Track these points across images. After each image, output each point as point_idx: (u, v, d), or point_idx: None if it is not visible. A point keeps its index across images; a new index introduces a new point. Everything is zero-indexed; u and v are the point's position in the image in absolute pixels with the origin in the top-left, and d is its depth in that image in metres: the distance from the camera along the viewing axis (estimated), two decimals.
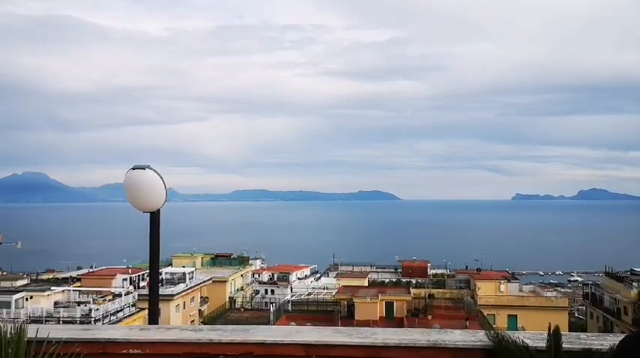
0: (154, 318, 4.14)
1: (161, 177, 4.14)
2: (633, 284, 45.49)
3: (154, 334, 3.73)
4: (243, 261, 66.65)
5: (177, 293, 45.69)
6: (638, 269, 51.14)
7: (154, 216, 4.19)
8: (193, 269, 54.66)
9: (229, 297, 56.74)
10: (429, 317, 41.48)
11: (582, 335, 3.60)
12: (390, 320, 41.23)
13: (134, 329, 3.95)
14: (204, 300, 52.58)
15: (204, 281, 52.57)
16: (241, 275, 61.87)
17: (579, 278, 77.63)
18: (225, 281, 56.54)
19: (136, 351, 3.60)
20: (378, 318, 40.67)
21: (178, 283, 48.27)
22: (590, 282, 57.66)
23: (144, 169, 4.12)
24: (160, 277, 48.74)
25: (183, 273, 50.37)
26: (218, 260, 66.68)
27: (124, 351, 3.59)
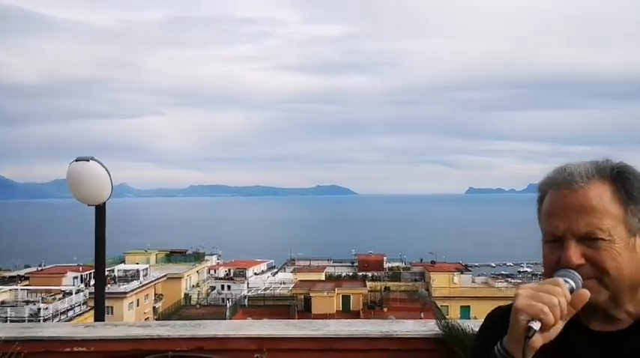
0: (100, 315, 4.02)
1: (106, 169, 4.00)
2: None
3: (100, 331, 3.62)
4: (198, 257, 65.87)
5: (131, 291, 44.86)
6: None
7: (100, 210, 4.06)
8: (147, 266, 53.74)
9: (185, 294, 56.03)
10: (385, 309, 41.96)
11: None
12: (346, 313, 41.55)
13: (79, 326, 3.83)
14: (158, 297, 51.79)
15: (159, 278, 51.79)
16: (197, 271, 61.16)
17: (529, 269, 79.95)
18: (181, 278, 55.79)
19: (80, 349, 3.48)
20: (334, 312, 40.92)
21: (132, 280, 47.41)
22: (539, 273, 59.47)
23: (87, 161, 3.97)
24: (113, 274, 47.79)
25: (137, 270, 49.49)
26: (173, 256, 65.66)
27: (68, 349, 3.46)
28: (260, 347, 3.27)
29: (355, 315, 39.86)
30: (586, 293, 1.20)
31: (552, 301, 1.15)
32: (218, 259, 72.09)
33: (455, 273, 54.47)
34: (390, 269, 64.18)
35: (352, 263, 70.85)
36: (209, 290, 60.32)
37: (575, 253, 1.23)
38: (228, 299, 49.61)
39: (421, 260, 68.84)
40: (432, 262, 63.10)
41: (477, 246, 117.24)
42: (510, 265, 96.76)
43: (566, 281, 1.20)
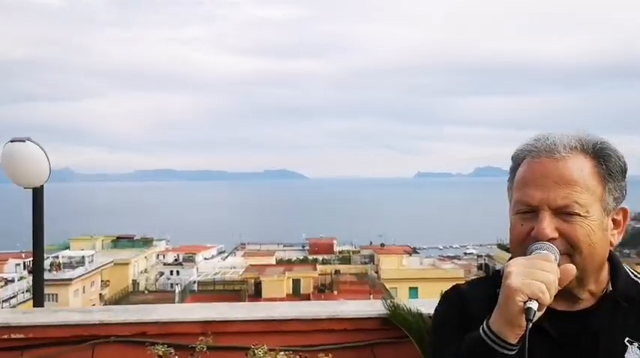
0: (38, 301, 3.89)
1: (43, 150, 3.83)
2: None
3: (39, 317, 3.51)
4: (146, 243, 64.75)
5: (76, 278, 43.87)
6: None
7: (37, 193, 3.90)
8: (93, 252, 52.56)
9: (132, 280, 55.09)
10: (335, 292, 42.42)
11: None
12: (297, 296, 41.75)
13: (17, 312, 3.71)
14: (105, 284, 50.78)
15: (105, 264, 50.76)
16: (145, 257, 60.15)
17: (474, 251, 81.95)
18: (128, 264, 54.76)
19: (18, 336, 3.37)
20: (285, 295, 41.05)
21: (77, 267, 46.33)
22: (483, 254, 61.29)
23: (24, 142, 3.80)
24: (57, 261, 46.63)
25: (82, 257, 48.37)
26: (120, 242, 64.33)
27: (5, 336, 3.35)
28: (205, 330, 3.24)
29: (306, 299, 40.00)
30: (573, 269, 1.13)
31: (549, 278, 1.06)
32: (167, 244, 71.04)
33: (404, 256, 55.52)
34: (340, 252, 64.79)
35: (303, 246, 71.18)
36: (158, 276, 59.51)
37: (549, 225, 1.16)
38: (177, 285, 49.07)
39: (371, 243, 69.79)
40: (382, 245, 64.09)
41: (425, 229, 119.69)
42: (457, 247, 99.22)
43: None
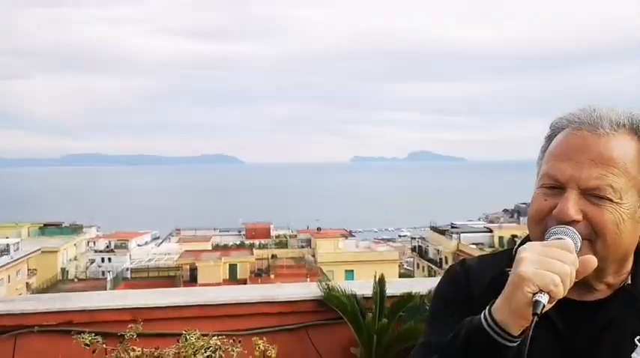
0: None
1: None
2: (453, 236, 50.67)
3: None
4: (76, 230, 62.55)
5: (0, 266, 41.99)
6: (457, 223, 56.89)
7: None
8: (19, 239, 50.31)
9: (61, 268, 53.26)
10: (272, 276, 42.56)
11: (404, 280, 3.89)
12: (233, 281, 41.60)
13: None
14: (32, 272, 48.84)
15: (32, 252, 48.76)
16: (74, 244, 58.18)
17: (408, 233, 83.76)
18: (56, 252, 52.85)
19: None
20: (221, 281, 40.80)
21: (1, 255, 44.29)
22: (417, 236, 62.87)
23: None
24: None
25: (7, 245, 46.25)
26: (47, 229, 61.90)
27: None
28: (135, 317, 3.15)
29: (242, 283, 39.91)
30: (594, 261, 0.99)
31: (565, 270, 0.93)
32: (97, 231, 68.93)
33: (340, 239, 56.24)
34: (277, 236, 64.87)
35: (239, 231, 70.73)
36: (88, 264, 57.76)
37: (574, 206, 1.02)
38: (109, 272, 47.78)
39: (307, 227, 70.14)
40: (318, 229, 64.56)
41: (361, 213, 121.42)
42: (391, 230, 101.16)
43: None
